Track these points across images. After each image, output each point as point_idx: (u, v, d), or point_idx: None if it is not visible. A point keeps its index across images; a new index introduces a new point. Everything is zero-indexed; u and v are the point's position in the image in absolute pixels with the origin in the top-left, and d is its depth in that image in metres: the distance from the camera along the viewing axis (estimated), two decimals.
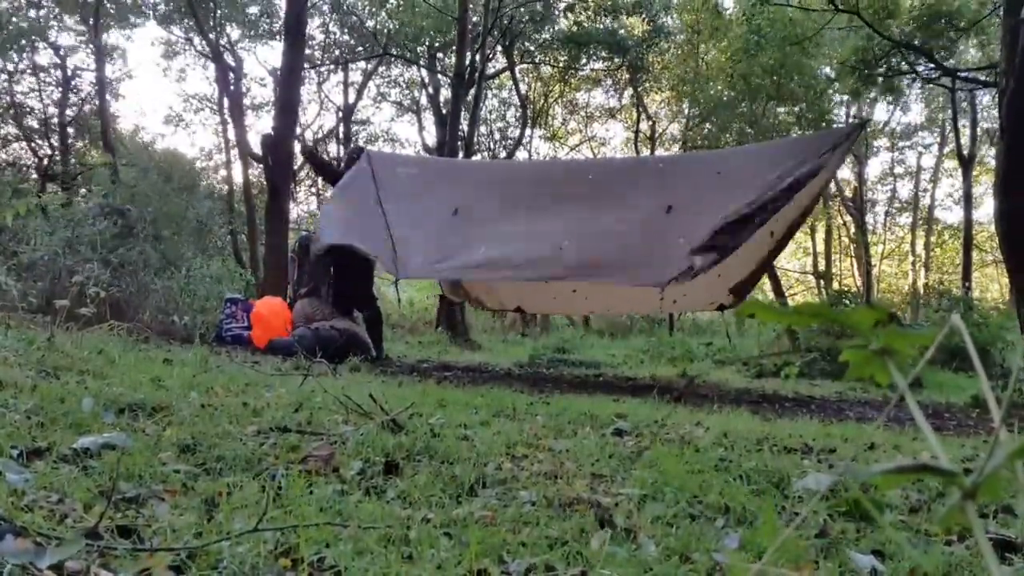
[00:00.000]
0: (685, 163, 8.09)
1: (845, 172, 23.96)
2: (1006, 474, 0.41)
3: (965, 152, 18.72)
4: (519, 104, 21.18)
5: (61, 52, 17.49)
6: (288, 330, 7.11)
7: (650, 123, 22.11)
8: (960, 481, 0.41)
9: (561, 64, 20.41)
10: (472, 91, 15.20)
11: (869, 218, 26.18)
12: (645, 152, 21.11)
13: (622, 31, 18.24)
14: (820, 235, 27.29)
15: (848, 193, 23.88)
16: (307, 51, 16.50)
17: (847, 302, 11.68)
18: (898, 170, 28.31)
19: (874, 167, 31.47)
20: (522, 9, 17.24)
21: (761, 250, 6.74)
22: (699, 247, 5.27)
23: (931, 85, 17.65)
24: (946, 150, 25.90)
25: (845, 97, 18.11)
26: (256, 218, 17.15)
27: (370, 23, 19.60)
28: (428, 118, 22.31)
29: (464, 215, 6.43)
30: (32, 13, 16.47)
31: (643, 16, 17.79)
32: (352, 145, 8.78)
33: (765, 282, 15.86)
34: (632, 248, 5.74)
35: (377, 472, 2.00)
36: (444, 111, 17.86)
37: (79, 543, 1.23)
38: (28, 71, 17.44)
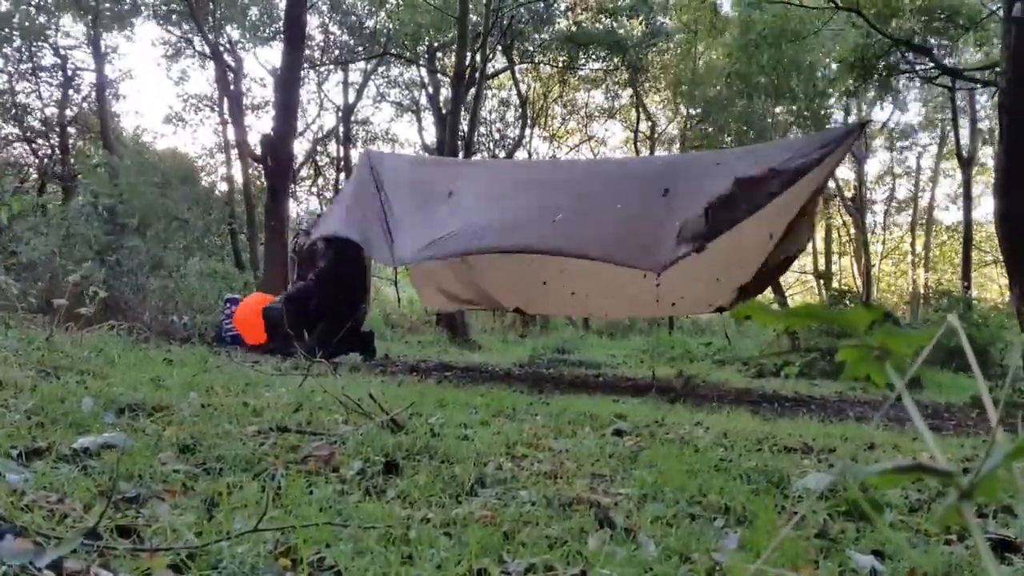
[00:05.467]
0: (685, 160, 8.10)
1: (844, 172, 23.97)
2: (1003, 474, 0.41)
3: (964, 152, 18.72)
4: (519, 104, 21.19)
5: (61, 52, 17.48)
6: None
7: (649, 123, 22.12)
8: (956, 481, 0.41)
9: (560, 64, 20.42)
10: (472, 91, 15.20)
11: (868, 218, 26.19)
12: (644, 152, 21.13)
13: (621, 31, 18.24)
14: (820, 235, 27.29)
15: (847, 193, 23.89)
16: (307, 51, 16.49)
17: (848, 302, 11.67)
18: (897, 170, 28.34)
19: (873, 167, 31.47)
20: (522, 9, 17.24)
21: (761, 253, 6.71)
22: (693, 232, 5.18)
23: (930, 85, 17.66)
24: (945, 150, 25.91)
25: (843, 99, 18.12)
26: (256, 218, 17.14)
27: (369, 23, 19.60)
28: (428, 118, 22.32)
29: (459, 196, 6.36)
30: (33, 12, 16.46)
31: (641, 17, 17.81)
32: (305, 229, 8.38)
33: None
34: (628, 227, 5.59)
35: (377, 472, 2.00)
36: (444, 111, 17.86)
37: (78, 543, 1.23)
38: (29, 71, 17.43)
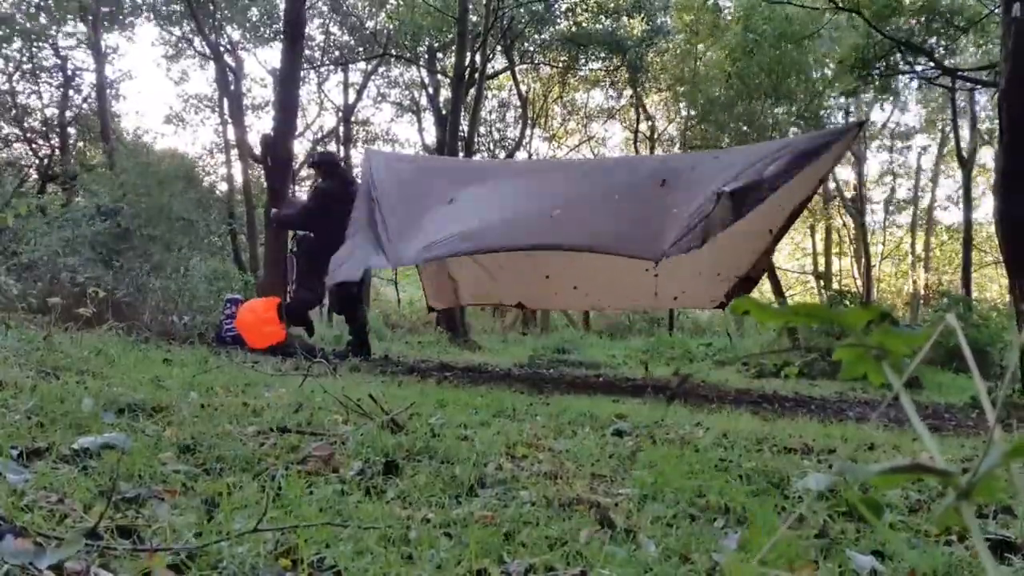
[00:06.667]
0: (682, 156, 8.14)
1: (844, 172, 23.99)
2: (1002, 474, 0.41)
3: (964, 152, 18.71)
4: (519, 104, 21.19)
5: (62, 52, 17.47)
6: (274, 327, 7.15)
7: (649, 123, 22.12)
8: (955, 481, 0.41)
9: (560, 64, 20.41)
10: (472, 91, 15.20)
11: (868, 218, 26.17)
12: (644, 152, 21.13)
13: (621, 31, 18.24)
14: (819, 235, 27.31)
15: (847, 193, 23.89)
16: (307, 51, 16.49)
17: (847, 302, 11.68)
18: (897, 170, 28.33)
19: (873, 167, 31.48)
20: (522, 10, 17.25)
21: (761, 249, 6.73)
22: (695, 226, 5.13)
23: (930, 85, 17.66)
24: (945, 150, 25.91)
25: (843, 99, 18.12)
26: (256, 218, 17.13)
27: (370, 24, 19.60)
28: (428, 118, 22.31)
29: (458, 204, 6.36)
30: (32, 12, 16.44)
31: (642, 16, 17.80)
32: (320, 153, 9.26)
33: (764, 283, 15.87)
34: (625, 218, 5.59)
35: (377, 472, 2.00)
36: (444, 111, 17.86)
37: (79, 543, 1.23)
38: (29, 72, 17.42)
